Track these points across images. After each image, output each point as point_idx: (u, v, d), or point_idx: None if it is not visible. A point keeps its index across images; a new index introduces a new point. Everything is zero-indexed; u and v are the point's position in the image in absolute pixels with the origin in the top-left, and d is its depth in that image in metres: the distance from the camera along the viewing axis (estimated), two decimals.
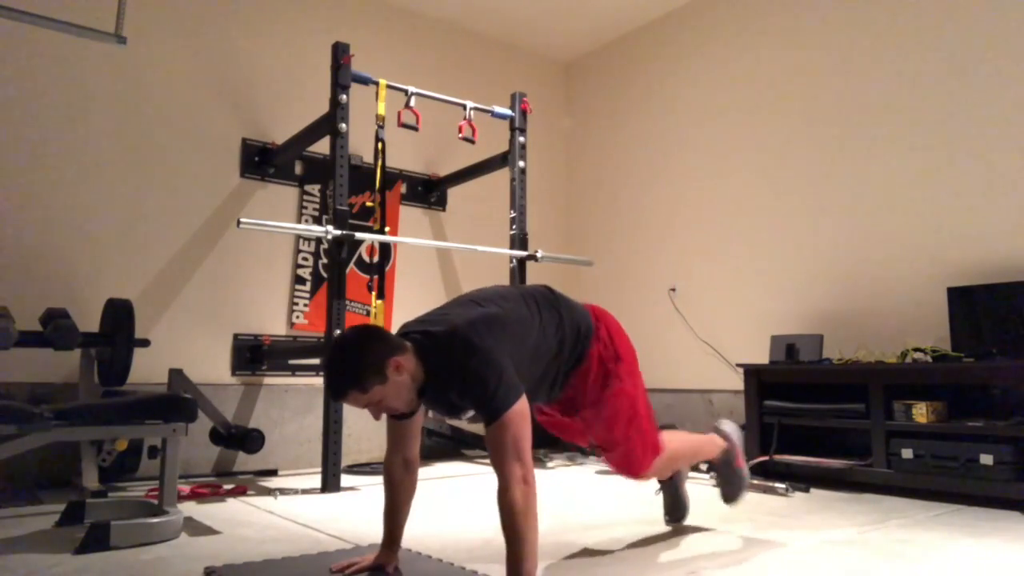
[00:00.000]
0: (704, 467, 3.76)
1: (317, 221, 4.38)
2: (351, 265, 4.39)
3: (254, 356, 4.11)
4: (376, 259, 3.77)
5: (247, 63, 4.29)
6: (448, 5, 4.99)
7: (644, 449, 2.16)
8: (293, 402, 4.19)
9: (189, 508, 2.87)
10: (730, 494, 2.50)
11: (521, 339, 1.91)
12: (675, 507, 2.58)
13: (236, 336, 4.09)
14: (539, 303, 2.04)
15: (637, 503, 2.98)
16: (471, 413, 1.89)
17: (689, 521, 2.60)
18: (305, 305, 4.35)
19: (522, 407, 1.74)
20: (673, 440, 2.30)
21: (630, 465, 2.18)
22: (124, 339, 3.15)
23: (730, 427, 2.51)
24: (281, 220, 4.18)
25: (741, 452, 2.50)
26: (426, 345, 1.81)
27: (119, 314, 3.19)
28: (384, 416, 1.86)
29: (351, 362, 1.75)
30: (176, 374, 3.52)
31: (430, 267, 4.92)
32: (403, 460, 1.99)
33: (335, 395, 1.77)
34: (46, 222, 3.59)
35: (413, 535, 2.38)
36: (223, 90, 4.19)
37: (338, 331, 3.37)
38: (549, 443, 5.10)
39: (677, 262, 4.84)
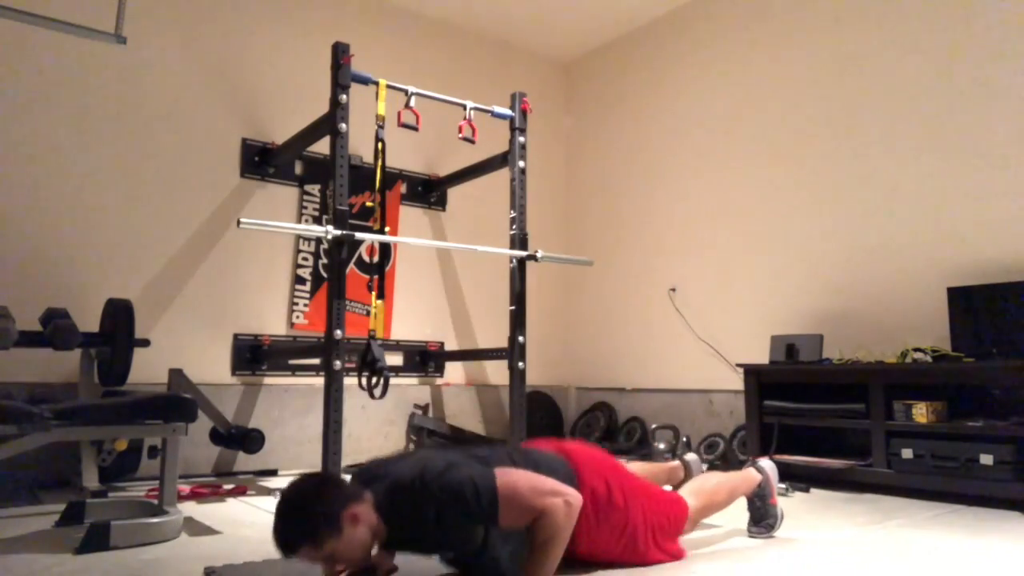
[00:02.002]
0: (704, 467, 3.76)
1: (317, 221, 4.38)
2: (351, 265, 4.39)
3: (254, 356, 4.11)
4: (376, 259, 3.77)
5: (247, 63, 4.29)
6: (448, 5, 4.99)
7: (670, 526, 2.08)
8: (293, 402, 4.19)
9: (189, 508, 2.87)
10: (758, 531, 2.40)
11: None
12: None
13: (236, 336, 4.09)
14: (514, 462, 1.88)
15: None
16: (449, 552, 1.78)
17: None
18: (305, 305, 4.34)
19: (501, 475, 1.67)
20: (703, 490, 2.23)
21: (668, 541, 2.07)
22: (124, 339, 3.15)
23: (767, 464, 2.45)
24: (281, 220, 4.19)
25: (776, 490, 2.43)
26: (386, 498, 1.70)
27: (119, 314, 3.19)
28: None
29: (306, 514, 1.62)
30: (176, 374, 3.52)
31: (430, 267, 4.92)
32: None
33: (285, 550, 1.61)
34: (46, 222, 3.59)
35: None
36: (223, 90, 4.19)
37: (338, 331, 3.37)
38: None
39: (677, 262, 4.84)
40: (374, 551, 1.77)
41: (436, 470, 1.68)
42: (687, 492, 2.22)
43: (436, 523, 1.66)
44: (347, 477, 1.90)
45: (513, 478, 1.68)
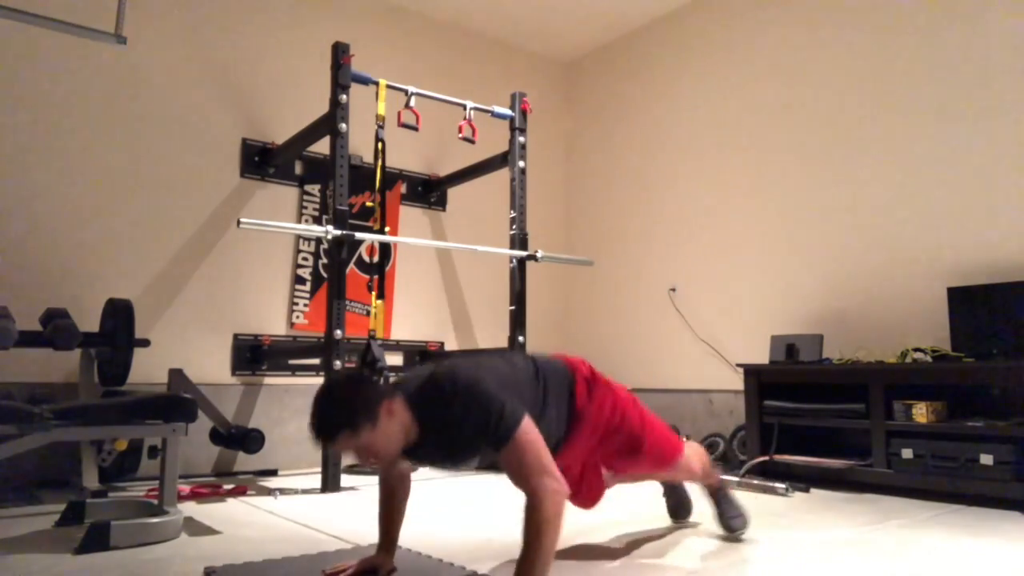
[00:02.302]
0: None
1: (317, 221, 4.38)
2: (351, 265, 4.39)
3: (254, 356, 4.11)
4: (376, 259, 3.77)
5: (247, 63, 4.29)
6: (448, 5, 4.99)
7: (667, 436, 2.20)
8: (293, 402, 4.19)
9: (189, 508, 2.87)
10: (741, 523, 2.37)
11: (520, 392, 1.86)
12: (678, 510, 2.61)
13: (236, 336, 4.09)
14: (522, 371, 1.97)
15: (637, 503, 2.98)
16: (475, 460, 1.83)
17: (690, 521, 2.60)
18: (305, 305, 4.35)
19: (528, 423, 1.71)
20: (695, 450, 2.34)
21: (663, 450, 2.18)
22: (124, 339, 3.15)
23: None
24: (281, 220, 4.19)
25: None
26: (418, 394, 1.76)
27: (119, 314, 3.19)
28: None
29: (343, 404, 1.67)
30: (176, 374, 3.52)
31: (430, 267, 4.92)
32: (398, 473, 1.98)
33: (324, 436, 1.67)
34: (47, 222, 3.59)
35: (413, 535, 2.38)
36: (223, 90, 4.19)
37: (338, 331, 3.37)
38: None
39: (677, 262, 4.84)
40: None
41: (472, 379, 1.74)
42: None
43: (458, 425, 1.72)
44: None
45: (533, 437, 1.71)
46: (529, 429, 1.70)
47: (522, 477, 1.67)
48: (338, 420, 1.66)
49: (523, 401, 1.81)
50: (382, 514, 1.98)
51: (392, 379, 1.96)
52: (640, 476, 2.42)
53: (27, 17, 3.02)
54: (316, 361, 4.10)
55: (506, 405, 1.70)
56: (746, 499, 3.07)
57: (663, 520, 2.62)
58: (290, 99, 4.37)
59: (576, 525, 2.59)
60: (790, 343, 3.75)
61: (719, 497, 2.42)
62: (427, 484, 3.50)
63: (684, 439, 2.34)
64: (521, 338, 3.85)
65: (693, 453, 2.32)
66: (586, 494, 2.18)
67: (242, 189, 4.20)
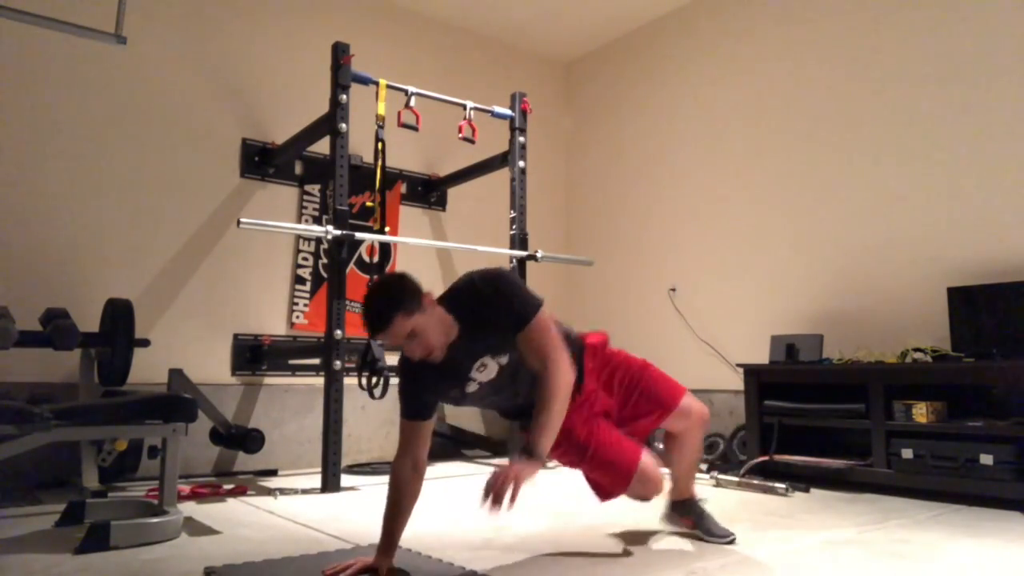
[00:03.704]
0: (704, 467, 3.77)
1: (317, 221, 4.38)
2: (351, 265, 4.39)
3: (254, 356, 4.11)
4: (376, 259, 3.78)
5: (247, 63, 4.29)
6: (448, 5, 4.99)
7: (670, 382, 2.38)
8: (293, 402, 4.19)
9: (189, 508, 2.87)
10: (723, 530, 2.32)
11: None
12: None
13: (236, 336, 4.09)
14: None
15: (637, 502, 2.97)
16: (507, 351, 1.97)
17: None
18: (305, 305, 4.35)
19: (547, 311, 1.97)
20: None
21: (670, 392, 2.33)
22: (124, 339, 3.15)
23: None
24: (281, 220, 4.18)
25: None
26: (451, 296, 1.98)
27: (119, 314, 3.19)
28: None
29: (394, 291, 1.86)
30: (176, 374, 3.52)
31: (430, 267, 4.92)
32: (412, 462, 2.00)
33: (380, 321, 1.82)
34: (46, 222, 3.59)
35: (413, 535, 2.38)
36: (223, 90, 4.19)
37: (338, 331, 3.37)
38: None
39: (677, 262, 4.84)
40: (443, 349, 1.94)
41: (498, 271, 2.03)
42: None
43: (488, 305, 1.94)
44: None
45: (548, 320, 1.97)
46: (548, 314, 1.96)
47: (541, 352, 1.92)
48: (393, 305, 1.82)
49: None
50: (387, 513, 1.98)
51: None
52: (647, 425, 2.36)
53: (27, 17, 3.02)
54: (316, 361, 4.10)
55: (528, 291, 1.99)
56: (746, 499, 3.08)
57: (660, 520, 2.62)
58: (290, 99, 4.37)
59: (575, 524, 2.59)
60: (790, 343, 3.75)
61: (694, 506, 2.37)
62: (428, 484, 3.49)
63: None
64: None
65: (695, 407, 2.40)
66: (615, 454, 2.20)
67: (242, 189, 4.20)
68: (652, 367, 2.39)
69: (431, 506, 2.96)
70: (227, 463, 3.94)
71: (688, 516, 2.39)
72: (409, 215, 4.85)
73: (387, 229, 3.84)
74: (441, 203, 5.04)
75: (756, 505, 2.96)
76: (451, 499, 3.16)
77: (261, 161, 4.25)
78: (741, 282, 4.44)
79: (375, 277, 2.11)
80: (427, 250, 4.88)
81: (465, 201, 5.07)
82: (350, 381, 3.47)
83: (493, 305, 1.93)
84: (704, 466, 3.82)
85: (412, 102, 3.85)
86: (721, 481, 3.43)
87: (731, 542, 2.28)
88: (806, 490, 3.26)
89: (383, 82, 3.75)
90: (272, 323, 4.24)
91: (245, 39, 4.30)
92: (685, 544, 2.31)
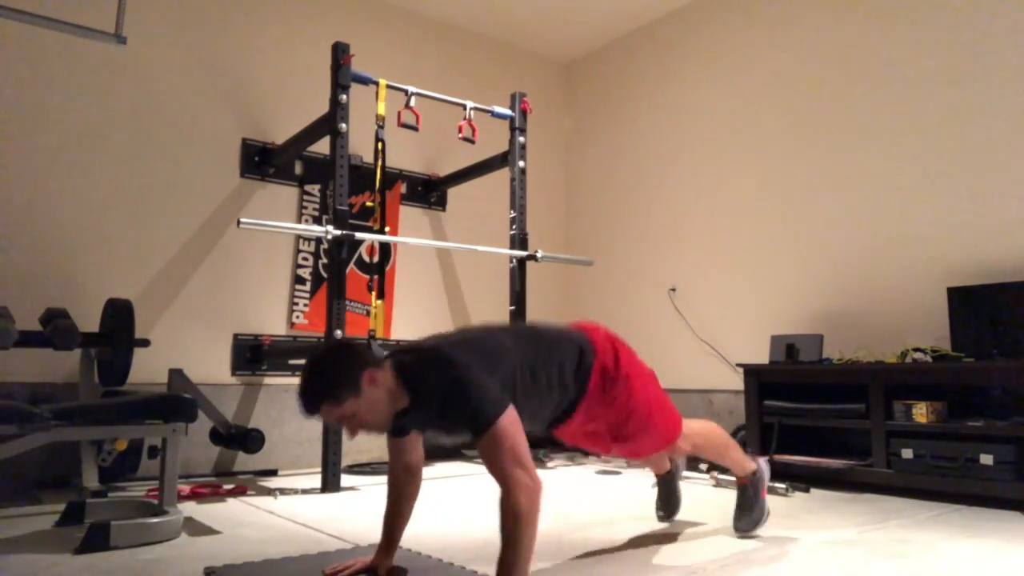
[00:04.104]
0: (704, 467, 3.77)
1: (317, 221, 4.38)
2: (351, 265, 4.39)
3: (254, 356, 4.11)
4: (376, 259, 3.77)
5: (247, 63, 4.29)
6: (448, 5, 4.99)
7: (667, 423, 2.22)
8: (293, 402, 4.15)
9: (189, 508, 2.87)
10: (746, 525, 2.39)
11: (500, 368, 1.87)
12: (668, 502, 2.62)
13: (236, 336, 4.09)
14: (522, 344, 1.98)
15: (636, 502, 2.98)
16: (464, 435, 1.82)
17: (689, 520, 2.61)
18: (305, 305, 4.35)
19: (511, 415, 1.71)
20: (707, 428, 2.38)
21: (660, 436, 2.20)
22: (124, 339, 3.15)
23: (764, 462, 2.48)
24: (281, 220, 4.18)
25: (767, 487, 2.45)
26: (406, 364, 1.79)
27: (119, 314, 3.19)
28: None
29: (325, 373, 1.71)
30: (176, 374, 3.52)
31: (430, 267, 4.92)
32: (404, 466, 1.98)
33: (308, 408, 1.71)
34: (46, 222, 3.59)
35: (413, 535, 2.38)
36: (223, 90, 4.19)
37: (338, 331, 3.37)
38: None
39: (677, 262, 4.84)
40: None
41: (459, 363, 1.75)
42: (692, 421, 2.32)
43: (442, 407, 1.76)
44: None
45: (512, 431, 1.70)
46: (508, 422, 1.70)
47: (495, 467, 1.68)
48: (320, 391, 1.70)
49: (507, 378, 1.85)
50: (387, 512, 1.98)
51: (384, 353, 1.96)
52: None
53: (27, 17, 3.02)
54: None
55: (487, 394, 1.72)
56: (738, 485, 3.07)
57: (660, 520, 2.62)
58: (290, 99, 4.37)
59: (574, 522, 2.60)
60: (790, 343, 3.75)
61: (739, 492, 2.44)
62: (428, 484, 3.50)
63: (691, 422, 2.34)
64: None
65: (699, 433, 2.33)
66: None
67: (242, 189, 4.20)
68: (655, 418, 2.18)
69: (431, 506, 2.96)
70: (227, 463, 3.94)
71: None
72: (409, 215, 4.85)
73: (387, 229, 3.84)
74: (441, 203, 5.04)
75: None
76: (451, 499, 3.16)
77: (261, 161, 4.25)
78: (741, 282, 4.44)
79: (321, 341, 1.87)
80: (427, 250, 4.88)
81: (465, 201, 5.07)
82: None
83: (448, 403, 1.74)
84: (704, 466, 3.82)
85: (412, 102, 3.85)
86: (721, 481, 3.43)
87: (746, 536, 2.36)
88: (806, 490, 3.26)
89: (383, 82, 3.75)
90: (272, 323, 4.24)
91: (245, 39, 4.30)
92: (686, 543, 2.31)
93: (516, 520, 1.63)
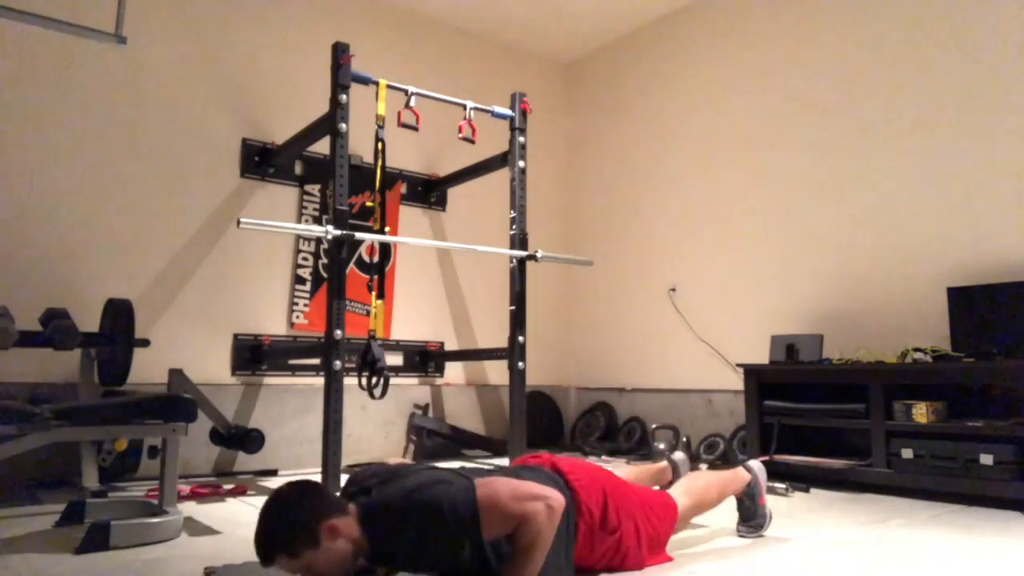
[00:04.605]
0: (704, 467, 3.77)
1: (317, 221, 4.38)
2: (351, 265, 4.39)
3: (254, 356, 4.11)
4: (376, 259, 3.77)
5: (247, 63, 4.29)
6: (448, 5, 4.99)
7: (659, 550, 2.07)
8: (293, 402, 4.19)
9: (189, 508, 2.87)
10: (747, 530, 2.40)
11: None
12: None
13: (236, 336, 4.09)
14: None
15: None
16: (463, 556, 1.70)
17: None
18: (305, 305, 4.34)
19: (485, 488, 1.66)
20: (694, 489, 2.23)
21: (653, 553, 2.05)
22: (124, 339, 3.15)
23: (756, 465, 2.43)
24: (281, 220, 4.18)
25: (765, 490, 2.42)
26: (370, 508, 1.71)
27: (119, 314, 3.19)
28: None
29: (282, 523, 1.64)
30: (176, 374, 3.51)
31: (430, 267, 4.92)
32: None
33: (263, 559, 1.64)
34: (46, 222, 3.59)
35: None
36: (223, 90, 4.19)
37: (338, 331, 3.37)
38: (549, 443, 5.10)
39: (677, 262, 4.84)
40: (360, 562, 1.76)
41: (416, 488, 1.68)
42: (678, 492, 2.21)
43: (419, 542, 1.67)
44: (344, 478, 1.86)
45: (494, 487, 1.66)
46: (486, 487, 1.66)
47: (515, 521, 1.64)
48: (276, 543, 1.63)
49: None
50: None
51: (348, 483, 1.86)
52: None
53: (27, 17, 3.01)
54: (316, 361, 4.11)
55: (452, 492, 1.65)
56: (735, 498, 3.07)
57: None
58: (290, 99, 4.37)
59: None
60: (790, 343, 3.75)
61: (737, 505, 2.42)
62: None
63: (683, 489, 2.23)
64: (521, 338, 3.85)
65: (696, 503, 2.21)
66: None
67: (242, 189, 4.20)
68: (645, 552, 1.99)
69: None
70: (227, 463, 3.94)
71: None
72: (409, 215, 4.85)
73: (387, 229, 3.84)
74: (441, 203, 5.03)
75: None
76: None
77: (261, 161, 4.25)
78: (741, 282, 4.44)
79: (285, 486, 1.72)
80: (427, 250, 4.88)
81: (465, 201, 5.06)
82: (350, 381, 3.47)
83: (427, 541, 1.66)
84: (704, 466, 3.82)
85: (412, 102, 3.84)
86: None
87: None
88: (806, 490, 3.26)
89: (383, 82, 3.75)
90: (272, 323, 4.24)
91: (245, 39, 4.30)
92: (686, 544, 2.31)
93: (531, 540, 1.63)
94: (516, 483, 1.70)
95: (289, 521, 1.64)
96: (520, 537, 1.65)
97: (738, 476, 2.40)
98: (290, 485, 1.74)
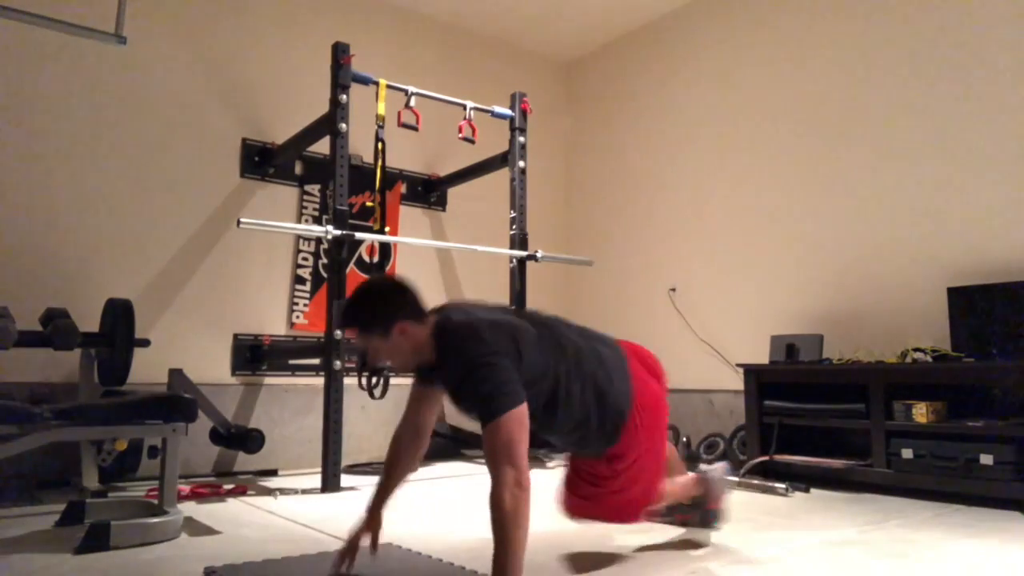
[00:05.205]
0: (704, 467, 3.77)
1: (317, 221, 4.38)
2: (351, 265, 4.39)
3: (254, 356, 4.11)
4: (376, 259, 3.78)
5: (247, 63, 4.29)
6: (449, 5, 4.99)
7: (643, 498, 2.08)
8: (293, 402, 4.19)
9: (189, 508, 2.87)
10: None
11: (535, 367, 1.83)
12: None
13: (236, 336, 4.09)
14: (580, 361, 1.94)
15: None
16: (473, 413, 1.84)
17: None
18: (305, 305, 4.35)
19: (519, 413, 1.71)
20: (673, 492, 2.21)
21: (620, 515, 2.09)
22: (124, 339, 3.15)
23: (715, 471, 2.36)
24: (281, 220, 4.18)
25: (719, 497, 2.32)
26: (446, 329, 1.82)
27: (119, 314, 3.19)
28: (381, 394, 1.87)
29: (367, 306, 1.81)
30: (176, 374, 3.52)
31: (430, 267, 4.92)
32: (414, 426, 1.98)
33: (341, 322, 1.90)
34: (46, 222, 3.59)
35: (414, 535, 2.38)
36: (223, 90, 4.19)
37: (338, 331, 3.37)
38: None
39: (677, 262, 4.84)
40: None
41: (490, 350, 1.75)
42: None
43: (459, 382, 1.79)
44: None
45: (514, 429, 1.69)
46: (514, 418, 1.69)
47: (489, 460, 1.70)
48: (353, 318, 1.82)
49: (538, 380, 1.82)
50: (384, 470, 2.00)
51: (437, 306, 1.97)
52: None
53: (27, 17, 3.02)
54: (316, 361, 4.10)
55: (502, 386, 1.71)
56: (746, 499, 3.08)
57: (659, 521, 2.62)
58: (290, 99, 4.37)
59: (575, 524, 2.59)
60: (790, 343, 3.75)
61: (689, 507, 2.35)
62: (428, 484, 3.50)
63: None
64: None
65: (670, 492, 2.19)
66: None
67: (242, 189, 4.20)
68: (637, 495, 2.05)
69: (431, 506, 2.96)
70: (227, 463, 3.94)
71: (684, 513, 2.33)
72: (409, 215, 4.85)
73: (387, 229, 3.84)
74: (441, 203, 5.04)
75: (756, 505, 2.96)
76: (451, 499, 3.16)
77: (261, 161, 4.25)
78: (741, 282, 4.44)
79: (374, 276, 1.95)
80: (427, 250, 4.88)
81: (465, 201, 5.06)
82: (350, 381, 3.47)
83: (465, 381, 1.76)
84: (704, 466, 3.81)
85: (412, 102, 3.85)
86: None
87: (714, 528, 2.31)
88: (806, 490, 3.26)
89: (383, 82, 3.75)
90: (272, 323, 4.24)
91: (245, 39, 4.30)
92: (685, 544, 2.31)
93: (502, 518, 1.65)
94: (520, 446, 1.70)
95: (372, 308, 1.81)
96: (491, 510, 1.67)
97: (689, 485, 2.30)
98: (388, 278, 1.97)
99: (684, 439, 4.26)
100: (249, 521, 2.68)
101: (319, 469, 3.40)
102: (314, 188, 4.44)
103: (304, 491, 3.31)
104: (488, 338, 1.77)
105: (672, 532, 2.47)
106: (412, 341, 1.81)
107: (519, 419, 1.71)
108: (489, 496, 1.68)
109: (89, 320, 3.36)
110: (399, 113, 3.81)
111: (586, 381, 1.93)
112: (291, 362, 4.19)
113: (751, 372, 3.76)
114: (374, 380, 3.45)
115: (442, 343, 1.81)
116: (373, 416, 4.38)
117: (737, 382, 4.06)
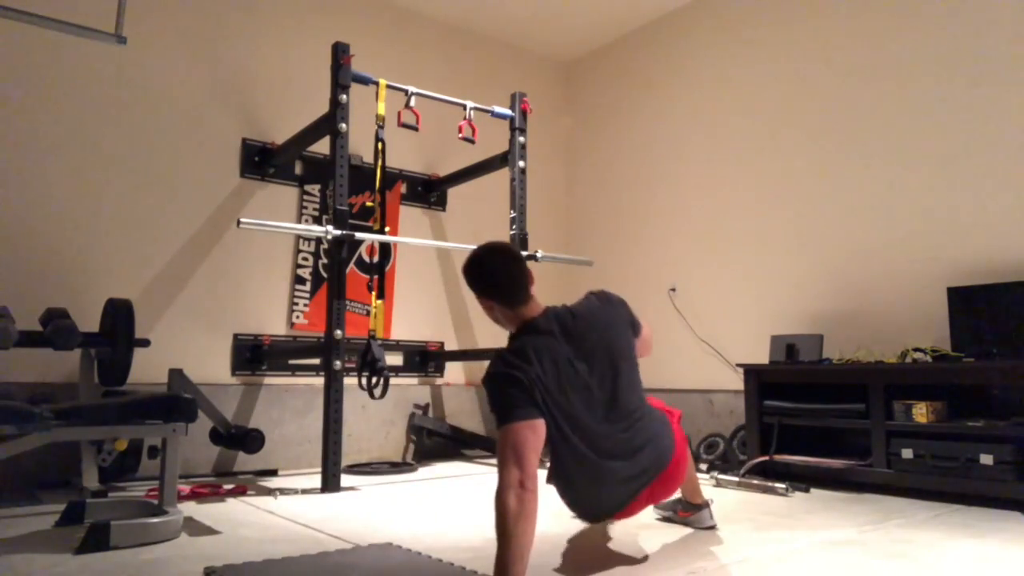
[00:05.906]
0: (704, 467, 3.77)
1: (317, 221, 4.38)
2: (351, 265, 4.39)
3: (254, 356, 4.11)
4: (376, 259, 3.77)
5: (247, 63, 4.29)
6: (448, 5, 4.99)
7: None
8: (293, 402, 4.19)
9: (189, 508, 2.87)
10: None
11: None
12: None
13: (236, 336, 4.09)
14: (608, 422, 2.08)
15: None
16: None
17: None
18: (305, 305, 4.34)
19: (523, 425, 1.80)
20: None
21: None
22: (124, 339, 3.15)
23: (702, 517, 2.52)
24: (281, 220, 4.18)
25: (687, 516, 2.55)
26: (512, 338, 2.08)
27: (119, 314, 3.19)
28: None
29: (486, 269, 2.22)
30: (176, 374, 3.51)
31: (430, 267, 4.92)
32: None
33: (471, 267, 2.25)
34: (46, 222, 3.59)
35: (414, 535, 2.38)
36: (223, 90, 4.19)
37: (338, 331, 3.37)
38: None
39: (677, 262, 4.84)
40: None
41: (506, 364, 1.92)
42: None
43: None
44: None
45: (521, 433, 1.79)
46: (515, 431, 1.78)
47: (498, 459, 1.80)
48: (471, 280, 2.23)
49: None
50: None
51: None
52: None
53: (27, 17, 3.02)
54: (316, 361, 4.11)
55: (502, 403, 1.85)
56: (746, 499, 3.08)
57: (659, 521, 2.62)
58: (290, 99, 4.37)
59: (575, 524, 2.59)
60: (790, 343, 3.75)
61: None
62: (428, 484, 3.50)
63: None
64: None
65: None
66: None
67: (242, 189, 4.20)
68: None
69: (431, 506, 2.96)
70: (227, 463, 3.94)
71: (687, 510, 2.52)
72: (409, 215, 4.85)
73: (387, 229, 3.84)
74: (441, 203, 5.04)
75: (756, 505, 2.96)
76: (451, 499, 3.16)
77: (261, 161, 4.25)
78: (741, 282, 4.44)
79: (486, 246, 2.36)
80: (427, 250, 4.88)
81: (465, 201, 5.07)
82: (350, 381, 3.47)
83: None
84: (704, 466, 3.82)
85: (412, 102, 3.85)
86: (721, 481, 3.44)
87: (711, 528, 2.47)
88: (806, 490, 3.26)
89: (383, 82, 3.75)
90: (272, 323, 4.24)
91: (245, 39, 4.30)
92: (685, 544, 2.31)
93: (505, 518, 1.68)
94: (526, 449, 1.76)
95: (495, 271, 2.23)
96: (495, 507, 1.72)
97: (698, 488, 2.54)
98: (504, 250, 2.33)
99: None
100: (249, 521, 2.68)
101: (319, 469, 3.40)
102: (314, 188, 4.44)
103: (304, 491, 3.31)
104: (516, 350, 1.99)
105: (672, 532, 2.47)
106: (497, 316, 2.21)
107: (526, 426, 1.81)
108: (494, 496, 1.72)
109: (89, 320, 3.36)
110: (399, 113, 3.81)
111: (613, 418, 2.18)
112: (291, 362, 4.18)
113: (751, 372, 3.76)
114: (374, 380, 3.45)
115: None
116: (373, 416, 4.38)
117: (737, 382, 4.06)
